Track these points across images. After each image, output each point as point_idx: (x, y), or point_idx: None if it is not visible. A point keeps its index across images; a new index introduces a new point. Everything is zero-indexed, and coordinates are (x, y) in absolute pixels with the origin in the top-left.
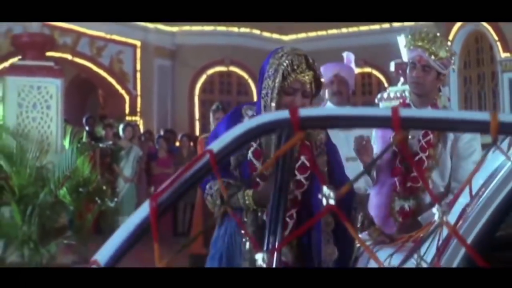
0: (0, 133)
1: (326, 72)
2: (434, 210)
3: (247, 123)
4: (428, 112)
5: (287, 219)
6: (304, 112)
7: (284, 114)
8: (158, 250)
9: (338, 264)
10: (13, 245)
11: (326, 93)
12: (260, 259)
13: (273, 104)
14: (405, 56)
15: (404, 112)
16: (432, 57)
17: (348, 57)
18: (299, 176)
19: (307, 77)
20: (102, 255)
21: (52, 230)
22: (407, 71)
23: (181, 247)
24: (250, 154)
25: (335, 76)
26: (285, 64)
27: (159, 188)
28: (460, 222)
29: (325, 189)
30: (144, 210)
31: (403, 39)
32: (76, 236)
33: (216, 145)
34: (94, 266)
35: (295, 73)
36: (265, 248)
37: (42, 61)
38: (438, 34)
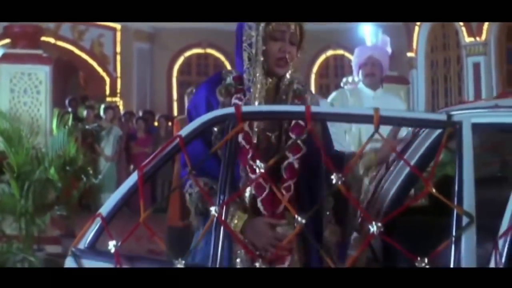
0: None
1: (360, 53)
2: (333, 176)
3: (205, 116)
4: (333, 109)
5: (283, 190)
6: (245, 108)
7: (231, 110)
8: (144, 205)
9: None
10: (11, 218)
11: (360, 74)
12: (213, 210)
13: (260, 54)
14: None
15: (315, 108)
16: None
17: (383, 39)
18: (295, 137)
19: None
20: (104, 209)
21: (44, 205)
22: None
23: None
24: (240, 138)
25: (369, 58)
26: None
27: (144, 162)
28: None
29: (257, 162)
30: (134, 177)
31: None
32: (65, 209)
33: (184, 132)
34: (98, 218)
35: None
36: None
37: (32, 50)
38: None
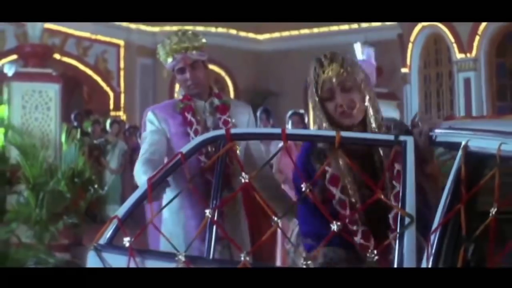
0: (7, 131)
1: None
2: (303, 186)
3: (201, 136)
4: (305, 131)
5: (392, 221)
6: (234, 130)
7: (222, 131)
8: (152, 209)
9: None
10: (26, 225)
11: None
12: (207, 212)
13: (324, 121)
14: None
15: (289, 131)
16: (194, 51)
17: (368, 52)
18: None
19: (331, 72)
20: (120, 212)
21: (56, 214)
22: (177, 78)
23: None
24: (334, 169)
25: None
26: (311, 71)
27: (151, 175)
28: None
29: (243, 173)
30: (143, 186)
31: (359, 46)
32: (75, 218)
33: (184, 149)
34: (114, 220)
35: (319, 75)
36: (211, 206)
37: (42, 69)
38: (181, 29)
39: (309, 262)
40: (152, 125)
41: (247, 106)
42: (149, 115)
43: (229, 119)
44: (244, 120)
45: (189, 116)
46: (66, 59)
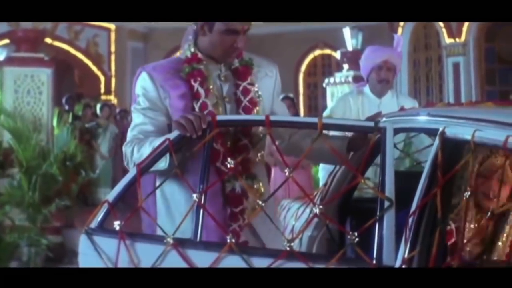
0: None
1: (375, 56)
2: (286, 170)
3: None
4: (291, 118)
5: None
6: (219, 117)
7: (208, 118)
8: (141, 193)
9: None
10: (19, 208)
11: (370, 78)
12: (194, 196)
13: None
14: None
15: (273, 117)
16: None
17: (397, 39)
18: None
19: None
20: (110, 196)
21: (49, 197)
22: (217, 37)
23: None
24: None
25: (384, 62)
26: None
27: (140, 161)
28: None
29: (229, 159)
30: (133, 171)
31: (348, 30)
32: (67, 200)
33: (172, 135)
34: (105, 204)
35: None
36: (198, 190)
37: (34, 53)
38: None
39: (292, 244)
40: (146, 98)
41: (272, 65)
42: (145, 80)
43: (251, 87)
44: (269, 84)
45: (196, 86)
46: (57, 43)
